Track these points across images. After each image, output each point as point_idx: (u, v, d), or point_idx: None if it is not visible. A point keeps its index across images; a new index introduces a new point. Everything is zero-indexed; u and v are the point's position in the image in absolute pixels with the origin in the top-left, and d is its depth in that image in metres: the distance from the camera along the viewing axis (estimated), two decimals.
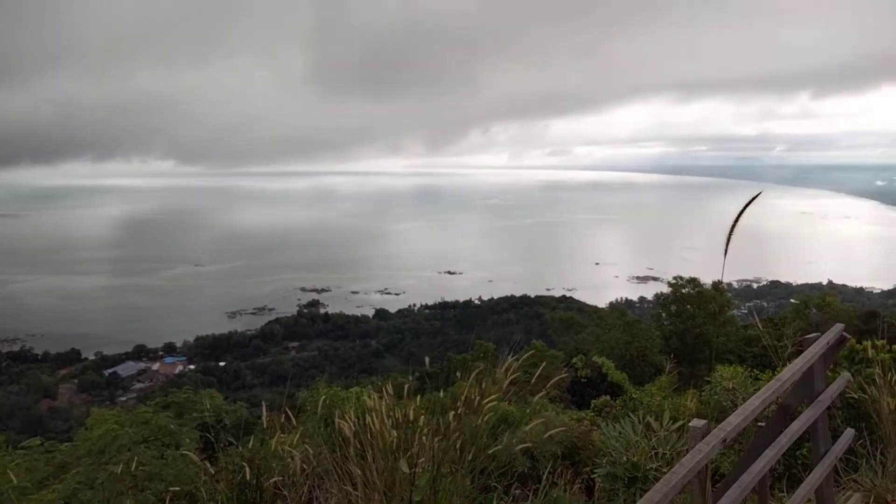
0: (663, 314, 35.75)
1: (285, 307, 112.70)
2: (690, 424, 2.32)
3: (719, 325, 32.67)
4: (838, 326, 3.64)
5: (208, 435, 6.10)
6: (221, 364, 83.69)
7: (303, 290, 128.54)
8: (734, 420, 2.40)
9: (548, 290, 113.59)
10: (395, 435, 4.17)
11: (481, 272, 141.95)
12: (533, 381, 5.50)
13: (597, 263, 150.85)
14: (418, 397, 4.46)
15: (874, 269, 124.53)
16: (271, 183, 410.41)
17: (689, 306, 34.14)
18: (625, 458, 5.61)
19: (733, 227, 3.33)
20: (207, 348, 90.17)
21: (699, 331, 32.34)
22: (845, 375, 3.96)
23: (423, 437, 4.19)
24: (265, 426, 5.41)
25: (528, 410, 8.94)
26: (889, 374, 6.32)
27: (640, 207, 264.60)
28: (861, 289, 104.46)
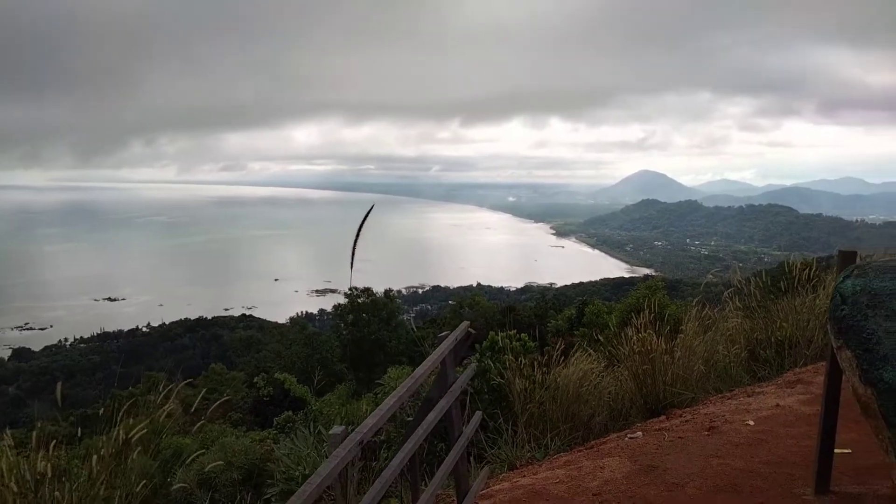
0: (342, 324, 37.12)
1: None
2: (330, 432, 2.44)
3: (391, 330, 35.21)
4: (464, 324, 4.22)
5: None
6: None
7: None
8: (370, 421, 2.59)
9: (226, 310, 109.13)
10: (17, 493, 3.55)
11: (149, 296, 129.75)
12: (192, 404, 5.18)
13: (276, 279, 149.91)
14: (51, 446, 3.86)
15: (510, 271, 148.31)
16: None
17: (364, 315, 36.01)
18: (297, 473, 5.64)
19: (357, 239, 3.64)
20: None
21: (374, 337, 34.35)
22: (472, 367, 4.60)
23: (58, 490, 3.65)
24: None
25: (189, 441, 8.39)
26: (519, 359, 7.54)
27: (317, 222, 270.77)
28: (501, 288, 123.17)
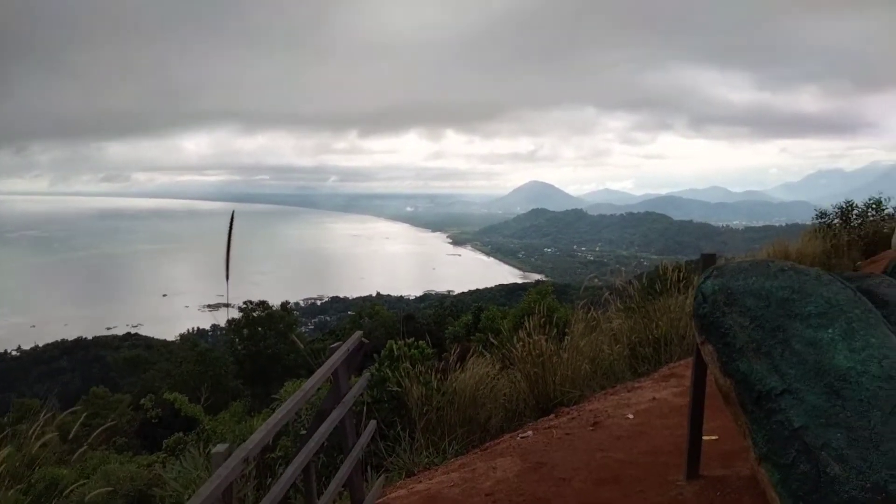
0: (237, 339, 35.84)
1: None
2: (213, 451, 2.37)
3: (289, 343, 34.40)
4: (357, 334, 4.22)
5: None
6: None
7: None
8: (257, 437, 2.54)
9: (109, 329, 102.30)
10: None
11: (19, 317, 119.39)
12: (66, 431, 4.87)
13: (164, 295, 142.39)
14: None
15: (409, 280, 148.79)
16: None
17: (260, 328, 34.95)
18: (186, 496, 5.42)
19: (228, 250, 3.57)
20: None
21: (271, 351, 33.39)
22: (365, 376, 4.61)
23: None
24: None
25: (66, 471, 7.85)
26: (416, 366, 7.60)
27: (207, 235, 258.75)
28: (401, 297, 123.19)
